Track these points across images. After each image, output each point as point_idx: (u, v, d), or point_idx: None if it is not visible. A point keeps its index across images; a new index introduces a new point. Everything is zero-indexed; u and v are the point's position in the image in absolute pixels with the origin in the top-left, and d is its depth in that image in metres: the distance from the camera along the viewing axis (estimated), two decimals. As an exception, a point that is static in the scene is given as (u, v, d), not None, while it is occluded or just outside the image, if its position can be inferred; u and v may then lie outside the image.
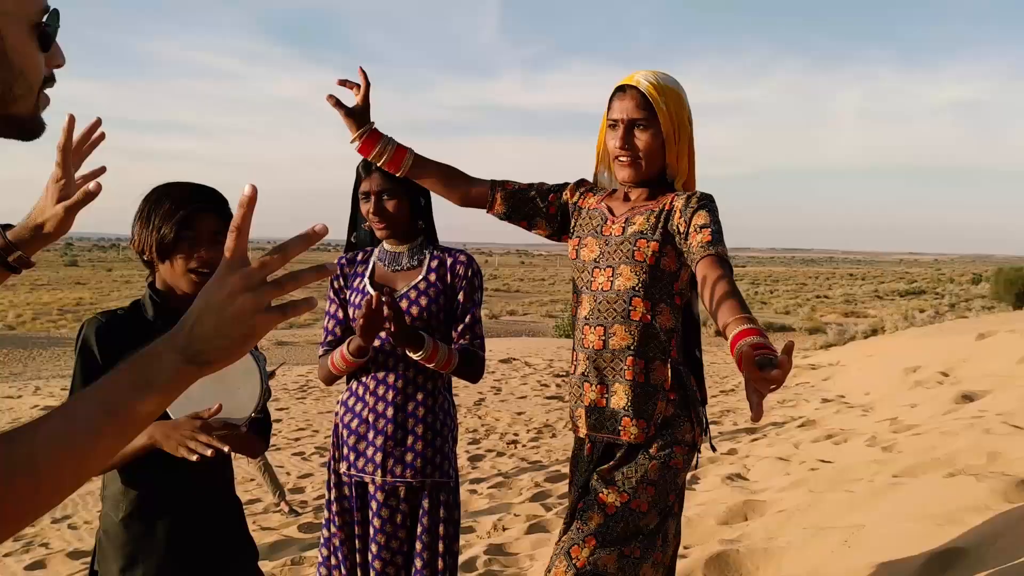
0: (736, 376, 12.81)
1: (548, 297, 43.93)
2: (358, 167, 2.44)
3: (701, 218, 2.00)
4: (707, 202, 2.06)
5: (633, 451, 2.11)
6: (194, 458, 1.75)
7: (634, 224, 2.10)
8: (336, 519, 2.45)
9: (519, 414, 9.79)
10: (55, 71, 1.08)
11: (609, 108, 2.14)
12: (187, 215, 1.88)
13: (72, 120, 1.43)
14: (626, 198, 2.21)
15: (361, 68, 2.31)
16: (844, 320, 28.88)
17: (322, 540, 2.52)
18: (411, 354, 2.29)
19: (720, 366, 14.54)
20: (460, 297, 2.43)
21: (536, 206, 2.32)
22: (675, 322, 2.13)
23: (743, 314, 1.70)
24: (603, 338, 2.11)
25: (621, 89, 2.12)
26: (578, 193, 2.31)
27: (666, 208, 2.08)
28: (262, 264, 0.85)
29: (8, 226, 1.48)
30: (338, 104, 2.27)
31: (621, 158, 2.12)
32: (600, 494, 2.08)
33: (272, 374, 2.00)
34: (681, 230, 2.02)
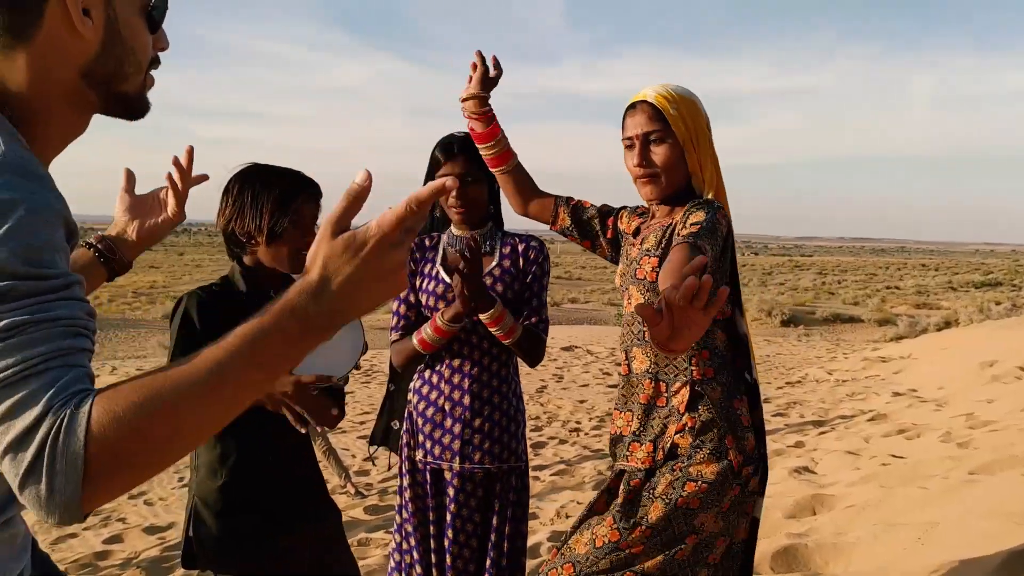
0: (801, 368, 12.59)
1: (610, 285, 43.73)
2: (436, 151, 2.42)
3: (695, 217, 1.92)
4: (706, 205, 1.98)
5: (646, 480, 2.00)
6: (290, 418, 1.91)
7: (647, 243, 2.07)
8: (410, 505, 2.48)
9: (581, 402, 9.77)
10: (160, 54, 1.14)
11: (622, 129, 2.10)
12: (300, 204, 2.01)
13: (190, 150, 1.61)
14: (652, 215, 2.18)
15: (494, 56, 2.33)
16: (916, 312, 28.09)
17: (395, 526, 2.55)
18: (481, 314, 2.29)
19: (785, 357, 14.30)
20: (529, 281, 2.44)
21: (595, 228, 2.30)
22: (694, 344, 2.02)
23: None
24: (628, 362, 2.09)
25: (631, 107, 2.08)
26: (626, 217, 2.28)
27: (674, 222, 2.03)
28: (400, 219, 0.88)
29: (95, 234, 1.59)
30: (482, 61, 2.29)
31: (640, 177, 2.06)
32: (600, 523, 1.99)
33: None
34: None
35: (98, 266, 1.54)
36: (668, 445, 1.97)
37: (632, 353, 2.06)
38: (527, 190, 2.39)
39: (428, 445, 2.45)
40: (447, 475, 2.44)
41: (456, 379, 2.42)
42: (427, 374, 2.49)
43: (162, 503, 6.23)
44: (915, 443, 5.72)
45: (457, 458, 2.41)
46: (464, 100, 2.30)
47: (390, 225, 0.88)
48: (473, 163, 2.38)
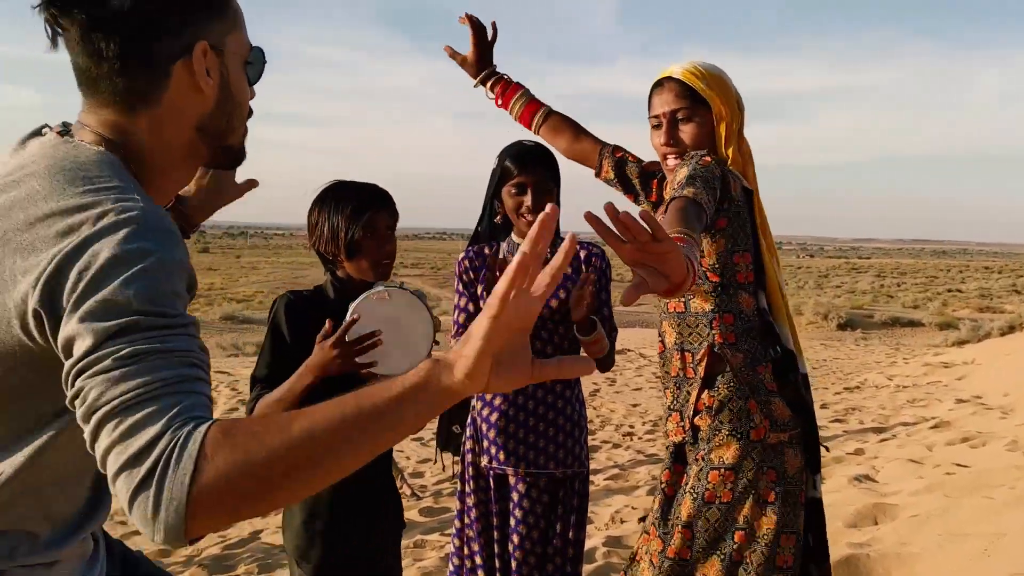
0: (859, 373, 12.35)
1: (662, 288, 43.40)
2: (506, 161, 2.40)
3: (679, 175, 1.85)
4: (694, 160, 1.89)
5: (678, 453, 2.02)
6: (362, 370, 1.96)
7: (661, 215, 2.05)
8: (473, 511, 2.50)
9: (634, 406, 9.72)
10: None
11: (649, 107, 2.05)
12: (370, 217, 2.08)
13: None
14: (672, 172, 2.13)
15: (467, 14, 2.34)
16: (979, 316, 27.35)
17: (455, 531, 2.57)
18: (582, 336, 2.29)
19: (843, 361, 14.04)
20: (596, 291, 2.43)
21: (637, 187, 2.28)
22: (715, 302, 1.96)
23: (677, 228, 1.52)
24: (661, 339, 2.08)
25: (658, 84, 2.03)
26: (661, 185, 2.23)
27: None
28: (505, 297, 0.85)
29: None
30: (454, 54, 2.34)
31: (668, 157, 2.01)
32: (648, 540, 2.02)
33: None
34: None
35: None
36: (691, 415, 1.95)
37: (663, 328, 2.06)
38: (569, 132, 2.38)
39: (493, 451, 2.46)
40: (512, 480, 2.46)
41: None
42: (487, 395, 2.51)
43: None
44: (980, 452, 5.57)
45: (523, 463, 2.42)
46: (477, 85, 2.36)
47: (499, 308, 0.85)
48: (546, 172, 2.38)
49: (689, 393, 1.95)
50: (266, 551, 4.91)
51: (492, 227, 2.55)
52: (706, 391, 1.93)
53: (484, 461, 2.49)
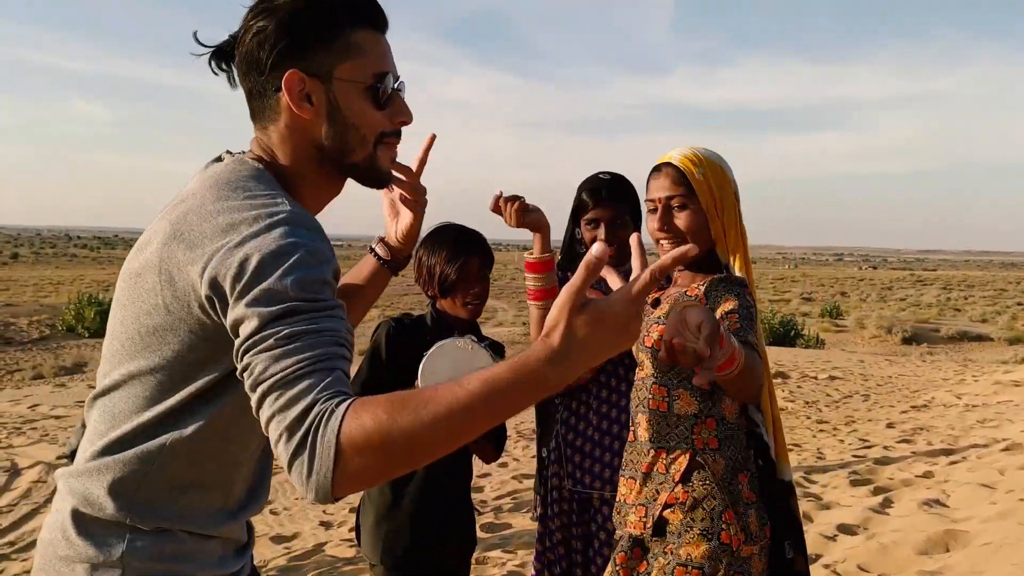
0: (926, 391, 12.04)
1: (720, 300, 42.92)
2: (583, 194, 2.52)
3: (727, 304, 1.86)
4: (733, 286, 1.92)
5: (633, 544, 1.92)
6: None
7: (659, 310, 2.02)
8: (556, 534, 2.52)
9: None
10: (402, 128, 1.38)
11: (647, 190, 2.05)
12: (463, 261, 2.32)
13: (433, 137, 1.66)
14: (673, 284, 2.12)
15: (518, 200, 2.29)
16: (1052, 331, 26.45)
17: (535, 554, 2.59)
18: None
19: (908, 378, 13.71)
20: None
21: None
22: (699, 406, 1.91)
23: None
24: (634, 429, 2.03)
25: (656, 169, 2.02)
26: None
27: (687, 292, 1.99)
28: (644, 288, 1.05)
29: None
30: (519, 213, 2.31)
31: (662, 241, 2.00)
32: None
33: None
34: None
35: (378, 267, 1.73)
36: (657, 514, 1.87)
37: (637, 419, 1.99)
38: None
39: (578, 475, 2.50)
40: (596, 502, 2.49)
41: (605, 408, 2.49)
42: (574, 405, 2.56)
43: (286, 512, 6.47)
44: (1056, 477, 5.40)
45: (608, 486, 2.45)
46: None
47: (639, 297, 1.04)
48: (622, 205, 2.45)
49: (658, 491, 1.89)
50: (330, 563, 5.00)
51: (576, 255, 2.63)
52: (679, 486, 1.88)
53: (568, 484, 2.52)
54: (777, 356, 16.71)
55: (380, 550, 2.36)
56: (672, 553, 1.84)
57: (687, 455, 1.89)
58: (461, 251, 2.35)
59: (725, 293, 1.90)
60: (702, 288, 1.95)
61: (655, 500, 1.90)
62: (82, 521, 1.23)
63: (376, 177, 1.37)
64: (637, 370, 2.04)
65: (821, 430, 8.90)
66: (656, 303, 2.09)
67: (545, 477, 2.60)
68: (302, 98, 1.25)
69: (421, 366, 2.14)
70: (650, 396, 1.94)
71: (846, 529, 4.59)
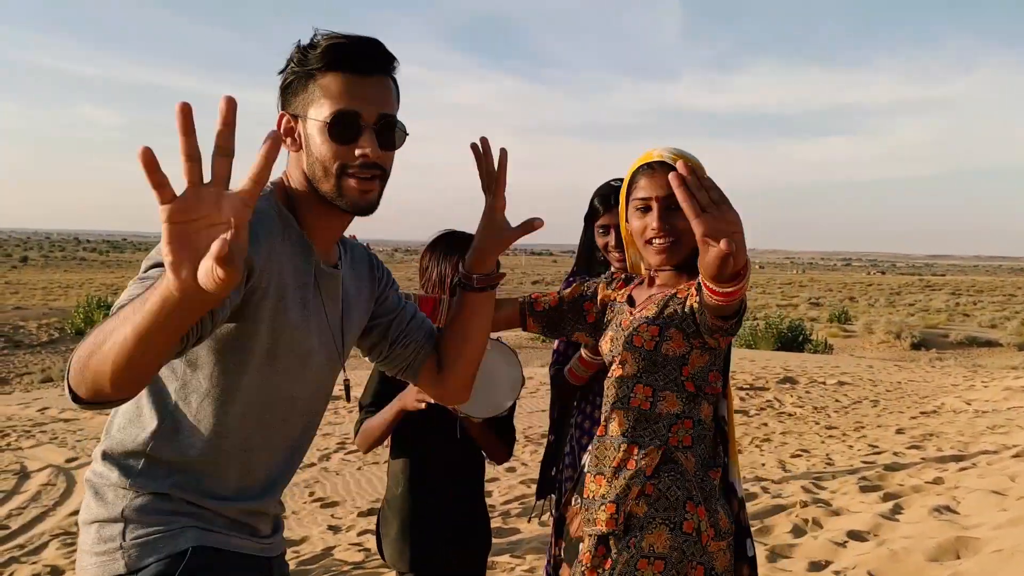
0: (936, 396, 12.00)
1: (728, 305, 42.80)
2: (594, 200, 2.59)
3: None
4: None
5: (600, 542, 1.88)
6: (422, 406, 2.24)
7: (646, 311, 1.97)
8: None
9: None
10: (363, 160, 1.46)
11: (633, 188, 1.97)
12: (457, 260, 2.23)
13: (501, 152, 1.72)
14: (650, 283, 2.06)
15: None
16: (1062, 337, 26.33)
17: (548, 559, 2.59)
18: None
19: (918, 384, 13.66)
20: None
21: (571, 320, 2.18)
22: (683, 407, 1.90)
23: None
24: (605, 424, 1.98)
25: (650, 167, 1.94)
26: (612, 287, 2.17)
27: (677, 294, 1.94)
28: None
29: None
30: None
31: (656, 240, 1.92)
32: None
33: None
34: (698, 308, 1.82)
35: (474, 295, 1.74)
36: (629, 509, 1.85)
37: (612, 415, 1.94)
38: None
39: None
40: None
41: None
42: (588, 409, 2.62)
43: (295, 516, 6.48)
44: (1068, 483, 5.37)
45: None
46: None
47: None
48: None
49: (629, 487, 1.87)
50: (339, 567, 5.00)
51: (589, 260, 2.71)
52: (649, 480, 1.87)
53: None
54: (785, 361, 16.65)
55: (409, 558, 2.38)
56: (636, 546, 1.82)
57: (660, 451, 1.88)
58: (457, 250, 2.33)
59: None
60: (693, 287, 1.89)
61: (626, 495, 1.86)
62: (95, 489, 1.47)
63: (346, 205, 1.48)
64: (615, 368, 1.97)
65: (830, 436, 8.87)
66: (631, 301, 2.06)
67: (559, 481, 2.61)
68: (287, 134, 1.48)
69: None
70: (632, 395, 1.90)
71: (856, 535, 4.57)
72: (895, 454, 7.39)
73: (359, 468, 7.44)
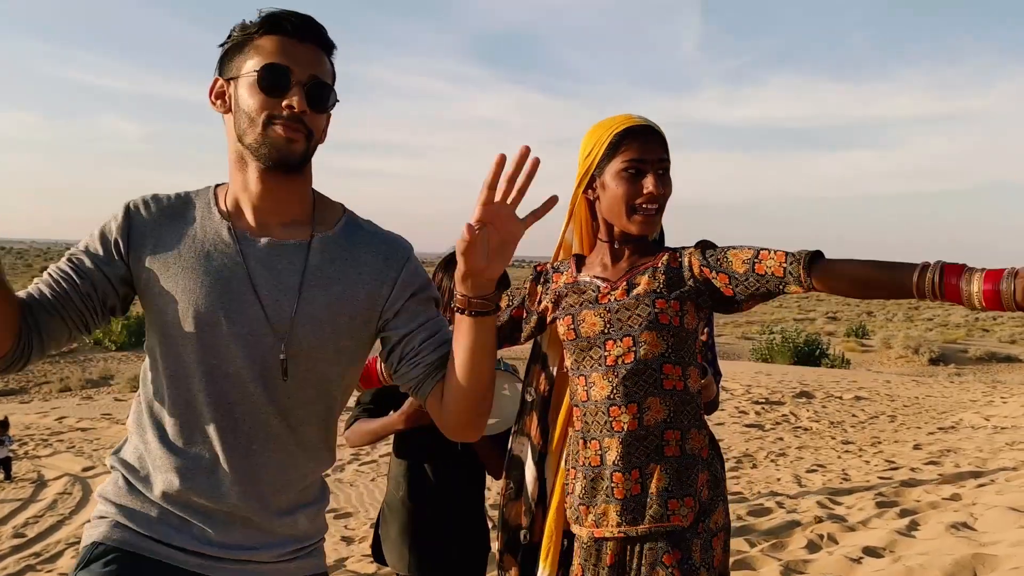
0: (954, 412, 11.89)
1: (744, 318, 42.62)
2: None
3: (743, 252, 1.77)
4: (715, 246, 1.84)
5: (676, 541, 1.80)
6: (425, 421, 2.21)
7: (638, 285, 1.86)
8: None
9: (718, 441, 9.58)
10: (290, 111, 1.43)
11: (620, 152, 1.84)
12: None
13: (500, 158, 1.39)
14: (615, 258, 1.94)
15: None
16: (1083, 353, 26.04)
17: None
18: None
19: (936, 400, 13.55)
20: None
21: (512, 335, 2.09)
22: (698, 383, 1.90)
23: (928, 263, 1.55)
24: (637, 416, 1.81)
25: (643, 131, 1.85)
26: (541, 283, 2.03)
27: (669, 263, 1.86)
28: None
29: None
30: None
31: (648, 205, 1.83)
32: None
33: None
34: (716, 277, 1.79)
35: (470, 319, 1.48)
36: (701, 498, 1.83)
37: (647, 403, 1.82)
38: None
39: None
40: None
41: None
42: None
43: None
44: (1088, 501, 5.30)
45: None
46: None
47: None
48: None
49: (695, 474, 1.82)
50: (352, 579, 5.00)
51: None
52: (705, 468, 1.86)
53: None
54: (802, 375, 16.56)
55: (409, 561, 2.40)
56: (705, 530, 1.82)
57: (702, 433, 1.86)
58: None
59: (728, 248, 1.81)
60: (689, 255, 1.85)
61: (690, 483, 1.80)
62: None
63: (271, 154, 1.44)
64: (622, 353, 1.84)
65: (847, 451, 8.81)
66: (593, 288, 1.92)
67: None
68: (217, 96, 1.51)
69: None
70: (664, 376, 1.81)
71: (872, 552, 4.53)
72: (912, 470, 7.33)
73: (372, 479, 7.45)
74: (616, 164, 1.84)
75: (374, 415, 2.43)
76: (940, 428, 10.27)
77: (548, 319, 2.01)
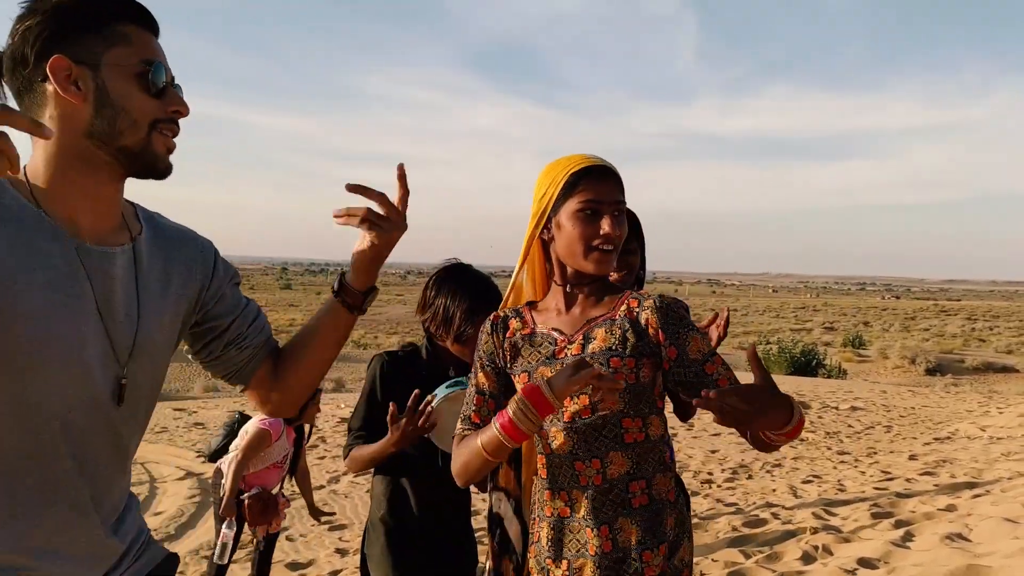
0: (950, 422, 11.89)
1: (741, 328, 42.66)
2: None
3: (699, 342, 1.76)
4: (685, 313, 1.81)
5: None
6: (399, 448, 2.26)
7: (594, 339, 1.80)
8: None
9: (712, 452, 9.56)
10: (177, 117, 1.36)
11: (575, 193, 1.79)
12: (481, 318, 2.08)
13: (401, 166, 1.60)
14: (569, 303, 1.88)
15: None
16: (1079, 363, 26.05)
17: None
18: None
19: (932, 410, 13.55)
20: None
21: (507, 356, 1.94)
22: (663, 427, 1.84)
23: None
24: (601, 471, 1.77)
25: (601, 171, 1.81)
26: (500, 333, 1.92)
27: (626, 316, 1.81)
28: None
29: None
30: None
31: (605, 247, 1.78)
32: None
33: None
34: (667, 347, 1.76)
35: (334, 302, 1.62)
36: (670, 538, 1.80)
37: (609, 458, 1.77)
38: None
39: None
40: None
41: None
42: None
43: (302, 539, 6.47)
44: (1083, 512, 5.30)
45: None
46: None
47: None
48: (629, 234, 2.48)
49: (664, 520, 1.79)
50: (345, 591, 4.99)
51: None
52: (673, 508, 1.83)
53: None
54: (798, 386, 16.55)
55: (385, 571, 2.41)
56: (671, 568, 1.78)
57: (670, 476, 1.83)
58: (482, 306, 2.29)
59: (689, 329, 1.79)
60: (648, 313, 1.80)
61: (661, 530, 1.78)
62: None
63: (151, 162, 1.33)
64: (583, 409, 1.79)
65: (842, 461, 8.80)
66: (549, 339, 1.86)
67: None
68: (69, 82, 1.26)
69: (435, 405, 2.23)
70: (624, 431, 1.76)
71: (866, 563, 4.52)
72: (908, 480, 7.32)
73: (367, 491, 7.42)
74: (572, 204, 1.79)
75: (368, 442, 2.39)
76: (936, 438, 10.27)
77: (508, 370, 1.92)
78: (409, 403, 2.20)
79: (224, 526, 4.61)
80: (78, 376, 1.28)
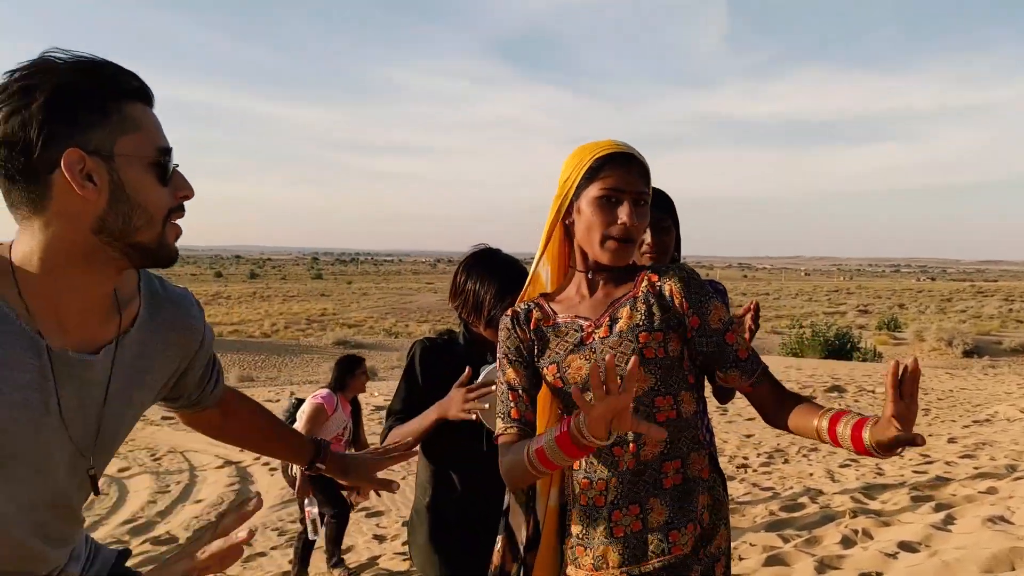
0: (989, 404, 11.72)
1: (773, 312, 42.30)
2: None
3: (721, 311, 1.76)
4: (701, 283, 1.79)
5: (676, 571, 1.73)
6: (473, 416, 2.21)
7: (620, 318, 1.77)
8: None
9: (747, 436, 9.52)
10: (184, 202, 1.28)
11: (597, 179, 1.77)
12: (512, 299, 2.12)
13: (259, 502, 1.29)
14: (591, 288, 1.85)
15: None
16: (1121, 343, 25.54)
17: None
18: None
19: (971, 392, 13.36)
20: None
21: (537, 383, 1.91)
22: (696, 403, 1.81)
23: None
24: (635, 453, 1.74)
25: (622, 157, 1.77)
26: (524, 325, 1.88)
27: (649, 291, 1.78)
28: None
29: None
30: None
31: (622, 238, 1.75)
32: None
33: None
34: (690, 316, 1.75)
35: (305, 454, 2.02)
36: (703, 521, 1.77)
37: (642, 440, 1.74)
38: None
39: None
40: None
41: None
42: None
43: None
44: None
45: None
46: None
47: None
48: (664, 214, 2.49)
49: (695, 498, 1.76)
50: (383, 575, 5.05)
51: None
52: (705, 487, 1.80)
53: None
54: (833, 369, 16.40)
55: (437, 565, 2.41)
56: (706, 555, 1.76)
57: (705, 454, 1.81)
58: (511, 288, 2.28)
59: (709, 297, 1.80)
60: (671, 283, 1.78)
61: (690, 508, 1.75)
62: None
63: (166, 256, 1.27)
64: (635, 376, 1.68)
65: (879, 445, 8.72)
66: (565, 323, 1.84)
67: None
68: (84, 178, 1.15)
69: (483, 376, 2.26)
70: (656, 410, 1.75)
71: (907, 546, 4.48)
72: (947, 464, 7.24)
73: (403, 478, 7.49)
74: (594, 190, 1.76)
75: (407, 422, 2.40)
76: (975, 421, 10.14)
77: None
78: (464, 377, 2.24)
79: (306, 504, 4.78)
80: (45, 482, 1.25)
